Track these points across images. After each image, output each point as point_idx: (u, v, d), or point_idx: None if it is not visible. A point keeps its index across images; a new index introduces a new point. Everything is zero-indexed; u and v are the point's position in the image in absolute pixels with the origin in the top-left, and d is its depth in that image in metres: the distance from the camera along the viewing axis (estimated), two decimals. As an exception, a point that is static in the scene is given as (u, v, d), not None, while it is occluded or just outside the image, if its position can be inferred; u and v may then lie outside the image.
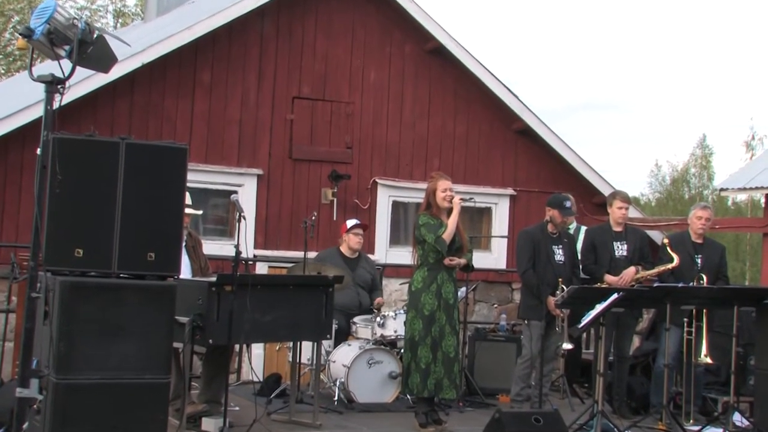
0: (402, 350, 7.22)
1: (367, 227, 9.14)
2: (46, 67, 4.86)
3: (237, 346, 7.31)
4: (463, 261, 7.01)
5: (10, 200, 9.26)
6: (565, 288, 7.08)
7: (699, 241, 7.87)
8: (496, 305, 11.22)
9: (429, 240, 6.81)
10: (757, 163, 11.89)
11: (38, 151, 4.41)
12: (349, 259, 8.36)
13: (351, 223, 8.54)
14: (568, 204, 7.52)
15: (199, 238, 7.32)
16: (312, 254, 8.30)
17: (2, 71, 25.67)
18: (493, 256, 11.45)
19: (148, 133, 9.63)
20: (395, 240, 10.96)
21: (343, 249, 8.42)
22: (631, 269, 7.74)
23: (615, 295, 6.50)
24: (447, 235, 6.79)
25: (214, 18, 10.03)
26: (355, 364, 7.53)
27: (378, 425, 6.99)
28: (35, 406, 4.63)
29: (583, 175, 11.53)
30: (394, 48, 11.01)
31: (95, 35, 4.49)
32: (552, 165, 11.54)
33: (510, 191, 11.46)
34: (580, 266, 7.80)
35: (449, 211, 6.91)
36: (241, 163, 10.23)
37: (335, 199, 10.47)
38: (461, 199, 6.94)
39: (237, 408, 7.18)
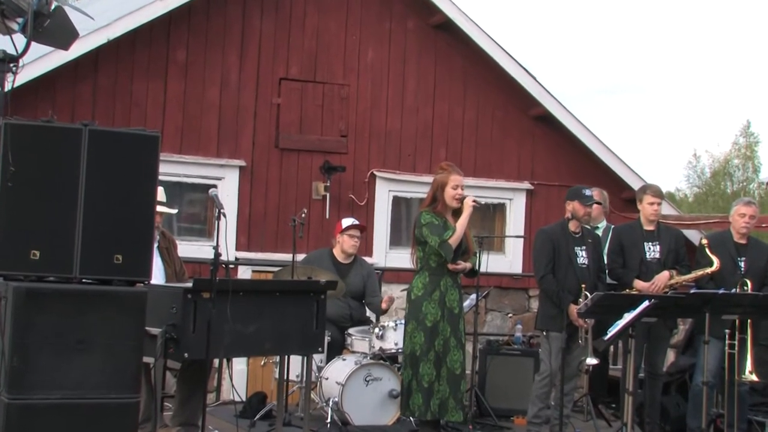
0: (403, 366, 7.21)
1: (365, 229, 9.09)
2: (-3, 42, 4.85)
3: (216, 361, 7.31)
4: (468, 265, 7.00)
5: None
6: (588, 295, 7.07)
7: (742, 241, 7.87)
8: (510, 315, 11.23)
9: (432, 243, 6.79)
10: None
11: (-12, 138, 4.41)
12: (342, 265, 8.30)
13: (347, 222, 8.46)
14: (587, 192, 7.47)
15: (174, 239, 7.33)
16: (301, 257, 8.29)
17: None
18: (508, 259, 11.46)
19: (115, 118, 9.64)
20: (396, 241, 10.95)
21: (336, 252, 8.38)
22: (665, 274, 7.72)
23: (646, 303, 6.49)
24: (454, 240, 6.77)
25: (189, -12, 10.03)
26: (351, 382, 7.52)
27: (376, 451, 7.01)
28: (-15, 429, 4.63)
29: (610, 167, 11.54)
30: (395, 23, 11.01)
31: (53, 6, 4.50)
32: (574, 155, 11.54)
33: (526, 185, 11.46)
34: (607, 270, 7.80)
35: (456, 210, 6.89)
36: (221, 154, 10.22)
37: (328, 195, 10.47)
38: (474, 201, 6.89)
39: (216, 431, 7.17)
